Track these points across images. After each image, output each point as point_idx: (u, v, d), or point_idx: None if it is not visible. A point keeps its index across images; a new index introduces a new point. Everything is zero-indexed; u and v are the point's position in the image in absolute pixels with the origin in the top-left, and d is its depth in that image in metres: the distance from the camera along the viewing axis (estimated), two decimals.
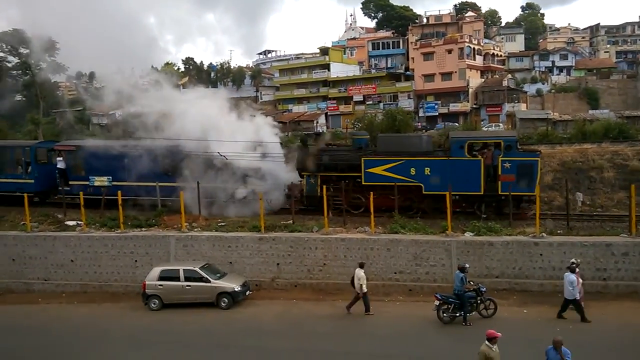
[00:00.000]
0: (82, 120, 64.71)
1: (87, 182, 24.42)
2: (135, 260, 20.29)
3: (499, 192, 20.65)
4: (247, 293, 18.17)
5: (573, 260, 15.71)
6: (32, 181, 25.42)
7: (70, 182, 24.79)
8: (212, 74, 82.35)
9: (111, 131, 51.66)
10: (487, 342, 9.91)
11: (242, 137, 23.38)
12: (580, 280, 15.33)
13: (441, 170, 21.00)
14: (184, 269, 18.00)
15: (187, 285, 17.72)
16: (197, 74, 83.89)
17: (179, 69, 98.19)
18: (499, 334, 9.23)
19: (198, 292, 17.67)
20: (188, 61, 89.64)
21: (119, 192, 21.49)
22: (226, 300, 17.55)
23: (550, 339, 10.36)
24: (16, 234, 21.37)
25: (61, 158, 25.52)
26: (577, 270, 15.31)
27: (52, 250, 20.66)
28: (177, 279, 17.82)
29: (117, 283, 20.30)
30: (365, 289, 16.33)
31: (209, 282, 17.65)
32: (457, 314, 15.20)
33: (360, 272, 16.37)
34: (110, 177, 24.36)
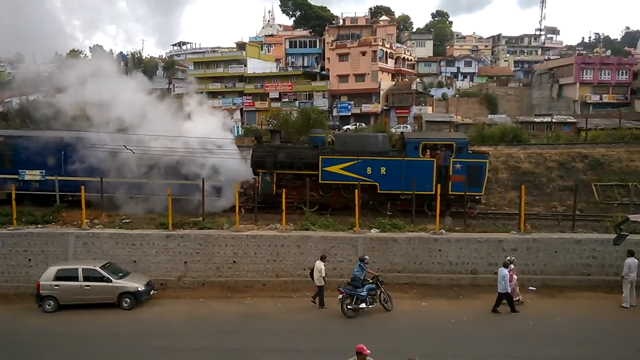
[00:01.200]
0: None
1: (15, 176, 23.16)
2: (29, 259, 19.03)
3: (450, 192, 21.38)
4: (152, 293, 17.64)
5: (508, 257, 16.73)
6: None
7: None
8: (122, 64, 78.52)
9: (7, 120, 47.90)
10: (356, 356, 8.82)
11: (194, 133, 22.86)
12: (515, 276, 16.37)
13: (396, 169, 21.51)
14: (83, 268, 17.12)
15: (86, 286, 16.87)
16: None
17: (86, 56, 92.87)
18: (368, 351, 8.81)
19: (98, 293, 16.89)
20: (96, 49, 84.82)
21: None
22: (128, 300, 16.92)
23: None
24: None
25: None
26: (512, 266, 16.26)
27: None
28: (76, 278, 16.93)
29: (7, 284, 18.94)
30: (323, 282, 16.50)
31: (110, 281, 16.93)
32: (360, 306, 15.72)
33: (320, 264, 16.55)
34: (44, 171, 23.12)
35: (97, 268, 17.15)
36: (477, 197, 22.28)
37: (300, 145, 24.65)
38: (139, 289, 17.08)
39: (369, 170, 21.74)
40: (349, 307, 15.71)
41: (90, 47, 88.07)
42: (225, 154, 22.79)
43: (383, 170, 21.71)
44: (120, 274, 17.48)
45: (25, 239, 19.13)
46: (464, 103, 66.20)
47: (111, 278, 17.00)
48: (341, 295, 15.77)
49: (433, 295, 17.71)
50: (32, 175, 23.19)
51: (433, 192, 20.79)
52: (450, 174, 21.48)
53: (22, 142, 23.70)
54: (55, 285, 16.87)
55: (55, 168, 23.18)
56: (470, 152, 22.72)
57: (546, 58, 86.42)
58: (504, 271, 15.78)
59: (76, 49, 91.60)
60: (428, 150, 21.99)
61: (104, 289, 16.89)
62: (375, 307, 15.97)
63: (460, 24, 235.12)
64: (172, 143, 22.56)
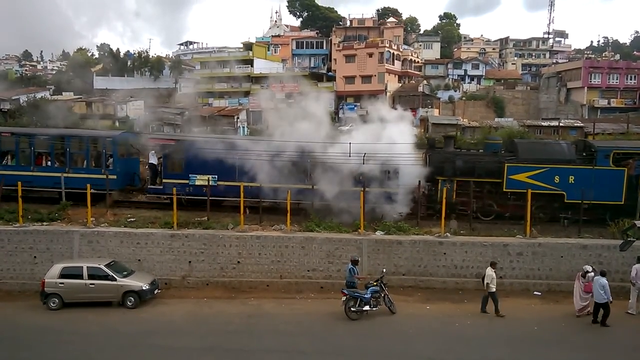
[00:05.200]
0: None
1: (185, 181, 22.43)
2: (35, 257, 19.08)
3: None
4: (156, 292, 17.64)
5: (588, 266, 16.16)
6: (115, 177, 22.63)
7: (164, 180, 22.61)
8: (129, 62, 78.80)
9: (15, 118, 48.11)
10: None
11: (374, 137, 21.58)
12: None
13: (585, 178, 20.81)
14: (87, 266, 17.14)
15: (91, 284, 16.88)
16: (113, 61, 79.94)
17: (92, 54, 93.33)
18: None
19: (102, 291, 16.90)
20: (103, 47, 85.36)
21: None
22: (132, 299, 16.92)
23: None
24: None
25: (154, 152, 23.38)
26: (592, 275, 15.59)
27: None
28: (80, 276, 16.93)
29: (12, 280, 18.98)
30: (493, 289, 15.95)
31: (115, 280, 16.93)
32: (364, 309, 15.67)
33: (490, 271, 16.05)
34: (216, 176, 22.28)
35: (102, 266, 17.17)
36: None
37: (479, 152, 23.56)
38: (143, 288, 17.09)
39: (556, 179, 21.04)
40: (352, 309, 15.67)
41: (97, 46, 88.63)
42: (402, 159, 21.25)
43: (571, 179, 20.99)
44: (125, 273, 17.50)
45: (31, 237, 19.17)
46: (470, 106, 65.96)
47: (116, 276, 17.01)
48: (344, 297, 15.73)
49: (437, 298, 17.64)
50: (203, 180, 22.30)
51: (622, 203, 20.50)
52: None
53: (193, 147, 22.84)
54: (60, 283, 16.90)
55: (227, 173, 22.25)
56: None
57: (554, 62, 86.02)
58: (602, 280, 15.11)
59: (83, 47, 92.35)
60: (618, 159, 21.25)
61: (108, 287, 16.90)
62: (379, 310, 15.92)
63: (468, 27, 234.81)
64: (340, 148, 21.32)
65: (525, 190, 20.07)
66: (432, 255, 18.75)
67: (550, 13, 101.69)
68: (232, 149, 22.27)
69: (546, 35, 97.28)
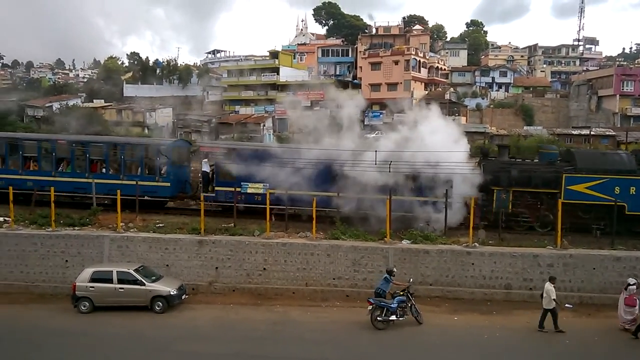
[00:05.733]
0: (15, 111, 61.39)
1: (237, 189, 22.49)
2: (66, 260, 19.47)
3: None
4: (183, 297, 17.82)
5: (632, 279, 15.78)
6: (168, 184, 23.12)
7: (216, 188, 22.87)
8: (158, 71, 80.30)
9: (48, 124, 49.44)
10: None
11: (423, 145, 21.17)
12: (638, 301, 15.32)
13: None
14: (117, 271, 17.43)
15: (120, 288, 17.16)
16: (142, 70, 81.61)
17: (123, 63, 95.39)
18: None
19: (131, 295, 17.14)
20: (133, 56, 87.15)
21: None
22: (161, 304, 17.12)
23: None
24: None
25: (206, 160, 23.72)
26: (635, 288, 15.27)
27: None
28: (110, 280, 17.23)
29: (45, 284, 19.39)
30: (553, 305, 15.31)
31: (144, 285, 17.17)
32: (390, 319, 15.53)
33: (549, 286, 15.48)
34: (267, 184, 22.34)
35: (131, 271, 17.44)
36: None
37: (535, 162, 23.09)
38: (171, 293, 17.28)
39: (616, 189, 20.51)
40: (378, 318, 15.54)
41: (127, 54, 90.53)
42: (457, 168, 20.77)
43: (632, 190, 20.56)
44: (153, 278, 17.73)
45: (63, 241, 19.59)
46: (498, 114, 65.14)
47: (144, 281, 17.25)
48: (371, 306, 15.61)
49: (465, 309, 17.36)
50: (255, 188, 22.50)
51: None
52: None
53: (245, 155, 23.13)
54: (91, 287, 17.21)
55: (279, 181, 21.98)
56: None
57: (584, 69, 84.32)
58: None
59: (114, 56, 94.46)
60: None
61: (137, 291, 17.14)
62: (406, 320, 15.74)
63: (496, 34, 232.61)
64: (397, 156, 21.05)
65: (585, 202, 19.96)
66: (460, 265, 18.48)
67: (580, 20, 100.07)
68: (283, 157, 22.34)
69: (576, 43, 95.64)
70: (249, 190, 22.67)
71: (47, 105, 62.56)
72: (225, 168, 23.22)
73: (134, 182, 22.86)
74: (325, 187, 21.80)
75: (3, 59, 58.50)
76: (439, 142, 20.83)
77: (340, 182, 21.56)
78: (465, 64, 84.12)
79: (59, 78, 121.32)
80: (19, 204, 22.26)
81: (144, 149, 24.34)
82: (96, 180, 23.22)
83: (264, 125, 60.80)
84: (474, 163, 22.93)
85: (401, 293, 15.88)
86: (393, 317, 15.50)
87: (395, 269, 16.39)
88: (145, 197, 22.93)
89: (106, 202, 23.70)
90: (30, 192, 22.97)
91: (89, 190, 23.28)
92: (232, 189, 22.25)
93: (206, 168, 23.73)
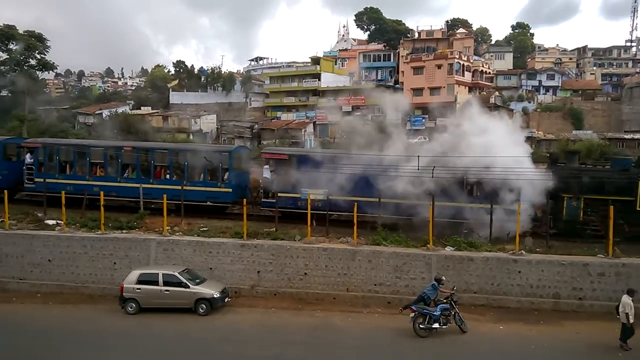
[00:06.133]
0: (67, 118, 64.13)
1: (297, 195, 22.44)
2: (114, 263, 20.06)
3: None
4: (226, 300, 18.07)
5: None
6: (230, 190, 23.39)
7: (279, 194, 22.67)
8: (203, 78, 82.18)
9: (98, 131, 51.24)
10: None
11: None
12: None
13: None
14: (163, 273, 17.85)
15: (166, 290, 17.56)
16: (188, 77, 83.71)
17: (169, 71, 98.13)
18: None
19: (176, 297, 17.50)
20: (179, 64, 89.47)
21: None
22: (204, 306, 17.42)
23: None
24: None
25: (267, 167, 23.91)
26: None
27: (30, 249, 20.34)
28: (156, 283, 17.66)
29: (94, 285, 20.04)
30: (631, 319, 14.34)
31: (188, 287, 17.51)
32: (433, 326, 15.26)
33: (627, 299, 14.55)
34: (327, 190, 22.06)
35: (176, 274, 17.82)
36: None
37: (607, 168, 22.27)
38: (215, 296, 17.55)
39: None
40: (421, 326, 15.30)
41: (173, 63, 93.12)
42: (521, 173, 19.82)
43: None
44: (197, 280, 18.06)
45: (111, 244, 20.22)
46: (546, 118, 63.30)
47: (189, 284, 17.60)
48: (413, 313, 15.39)
49: (511, 319, 16.85)
50: (315, 194, 21.94)
51: None
52: None
53: (305, 162, 23.03)
54: (137, 289, 17.68)
55: (339, 187, 21.74)
56: None
57: (637, 71, 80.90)
58: None
59: (161, 64, 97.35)
60: None
61: (182, 294, 17.49)
62: (449, 329, 15.43)
63: (543, 36, 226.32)
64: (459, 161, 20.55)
65: None
66: (506, 273, 17.98)
67: (633, 20, 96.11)
68: (344, 163, 21.95)
69: (628, 44, 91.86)
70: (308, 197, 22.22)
71: (97, 112, 65.00)
72: (285, 174, 23.05)
73: (197, 188, 23.45)
74: (389, 193, 20.86)
75: (57, 68, 61.02)
76: (500, 147, 20.24)
77: (405, 189, 20.75)
78: (511, 67, 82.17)
79: (108, 86, 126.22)
80: (78, 209, 22.91)
81: (207, 155, 24.50)
82: (160, 186, 23.66)
83: (305, 131, 61.18)
84: (544, 169, 22.13)
85: (444, 301, 15.59)
86: (436, 325, 15.24)
87: (444, 278, 16.05)
88: (208, 203, 23.14)
89: (172, 207, 23.91)
90: (96, 197, 23.49)
91: (154, 196, 23.71)
92: (293, 195, 22.27)
93: (267, 174, 23.77)
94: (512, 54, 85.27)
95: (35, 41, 51.13)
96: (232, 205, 24.62)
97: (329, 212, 21.59)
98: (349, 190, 21.62)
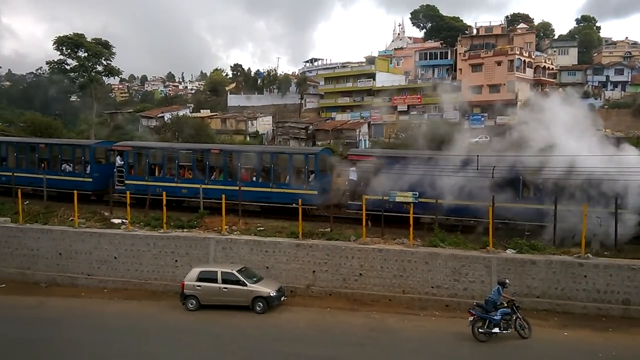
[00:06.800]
0: (131, 121, 66.97)
1: (385, 197, 21.52)
2: (176, 260, 20.74)
3: None
4: (282, 299, 18.30)
5: None
6: (316, 192, 23.11)
7: (366, 197, 21.38)
8: (259, 81, 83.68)
9: (160, 133, 53.20)
10: None
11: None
12: None
13: None
14: (221, 271, 18.30)
15: (224, 288, 17.98)
16: (245, 80, 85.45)
17: (227, 74, 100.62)
18: None
19: (234, 295, 17.89)
20: (236, 67, 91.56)
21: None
22: (261, 304, 17.71)
23: None
24: (64, 229, 22.21)
25: (354, 169, 23.36)
26: None
27: (97, 247, 21.40)
28: (215, 280, 18.12)
29: (157, 281, 20.80)
30: None
31: (246, 285, 17.86)
32: (493, 331, 14.80)
33: None
34: (417, 193, 21.45)
35: (234, 272, 18.22)
36: None
37: None
38: (271, 295, 17.80)
39: None
40: (480, 330, 14.88)
41: (231, 66, 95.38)
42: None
43: None
44: (255, 279, 18.38)
45: (173, 242, 20.92)
46: (614, 115, 59.98)
47: (246, 282, 17.94)
48: (472, 317, 14.98)
49: (576, 325, 16.11)
50: (404, 196, 21.56)
51: None
52: None
53: (393, 163, 22.43)
54: (197, 286, 18.21)
55: (428, 189, 21.03)
56: None
57: None
58: None
59: (219, 68, 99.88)
60: None
61: (239, 292, 17.85)
62: (509, 334, 14.92)
63: (610, 29, 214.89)
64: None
65: None
66: (571, 277, 17.20)
67: None
68: (435, 164, 21.18)
69: None
70: (397, 199, 21.62)
71: (159, 115, 67.42)
72: (372, 176, 22.49)
73: (283, 190, 23.51)
74: (494, 195, 19.64)
75: (121, 74, 63.84)
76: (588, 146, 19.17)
77: (505, 190, 20.02)
78: (576, 63, 78.49)
79: (169, 90, 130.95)
80: (172, 210, 23.43)
81: (293, 158, 24.55)
82: (247, 188, 23.79)
83: (360, 131, 60.96)
84: None
85: (506, 305, 15.08)
86: (496, 330, 14.78)
87: (507, 281, 15.49)
88: (293, 205, 22.70)
89: (257, 209, 24.48)
90: (184, 199, 24.13)
91: (240, 198, 23.63)
92: (380, 198, 21.46)
93: (354, 177, 23.26)
94: (576, 48, 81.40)
95: (101, 48, 53.79)
96: (315, 207, 23.83)
97: (423, 216, 20.94)
98: (443, 192, 20.55)
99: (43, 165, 27.59)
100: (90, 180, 26.10)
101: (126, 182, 25.58)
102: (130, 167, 25.99)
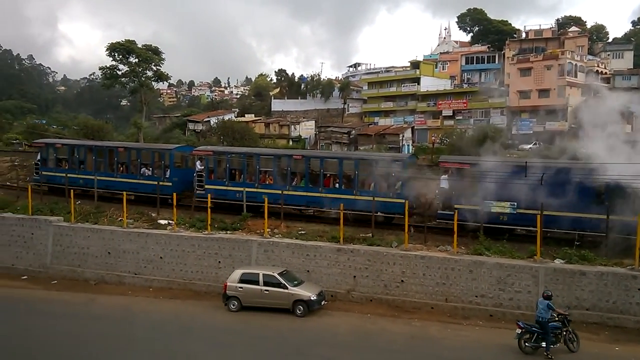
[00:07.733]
0: (179, 125, 68.69)
1: (476, 207, 20.48)
2: (219, 262, 21.09)
3: None
4: (323, 303, 18.30)
5: None
6: (402, 201, 20.95)
7: (456, 206, 20.43)
8: (302, 86, 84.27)
9: (206, 137, 54.30)
10: None
11: None
12: None
13: None
14: (263, 274, 18.48)
15: (266, 290, 18.15)
16: (288, 85, 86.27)
17: (271, 79, 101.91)
18: None
19: (275, 298, 18.03)
20: (280, 73, 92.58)
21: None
22: (302, 308, 17.77)
23: None
24: (113, 228, 22.98)
25: (446, 177, 22.19)
26: None
27: (144, 247, 22.02)
28: (257, 282, 18.32)
29: (200, 282, 21.20)
30: None
31: (287, 288, 17.96)
32: (540, 344, 14.29)
33: None
34: (515, 204, 20.36)
35: (276, 274, 18.37)
36: None
37: None
38: (312, 298, 17.85)
39: None
40: (527, 344, 14.41)
41: (275, 71, 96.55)
42: None
43: None
44: (295, 282, 18.47)
45: (217, 243, 21.28)
46: None
47: (287, 285, 18.04)
48: (520, 330, 14.50)
49: (629, 340, 15.40)
50: (501, 207, 20.55)
51: None
52: None
53: (489, 171, 20.68)
54: (239, 287, 18.46)
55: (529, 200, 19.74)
56: None
57: None
58: None
59: (263, 73, 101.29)
60: None
61: (280, 294, 17.97)
62: (557, 347, 14.36)
63: None
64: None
65: None
66: (624, 290, 16.45)
67: None
68: (535, 173, 20.01)
69: None
70: (493, 210, 20.53)
71: (205, 120, 68.85)
72: (466, 185, 21.33)
73: (367, 198, 22.28)
74: (591, 207, 18.96)
75: (170, 79, 65.71)
76: None
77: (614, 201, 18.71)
78: (631, 67, 75.31)
79: (215, 95, 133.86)
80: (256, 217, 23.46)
81: (378, 164, 23.24)
82: (329, 195, 23.16)
83: (403, 136, 60.43)
84: None
85: (557, 318, 14.49)
86: (544, 344, 14.25)
87: (550, 293, 14.72)
88: (378, 213, 22.18)
89: (334, 216, 23.17)
90: (262, 204, 23.22)
91: (322, 205, 23.37)
92: (475, 207, 20.45)
93: (445, 185, 22.03)
94: (632, 52, 78.12)
95: (151, 54, 55.56)
96: (399, 215, 21.60)
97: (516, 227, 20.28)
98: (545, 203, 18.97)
99: (121, 168, 27.74)
100: (170, 184, 25.97)
101: (206, 186, 25.33)
102: (210, 172, 25.77)
